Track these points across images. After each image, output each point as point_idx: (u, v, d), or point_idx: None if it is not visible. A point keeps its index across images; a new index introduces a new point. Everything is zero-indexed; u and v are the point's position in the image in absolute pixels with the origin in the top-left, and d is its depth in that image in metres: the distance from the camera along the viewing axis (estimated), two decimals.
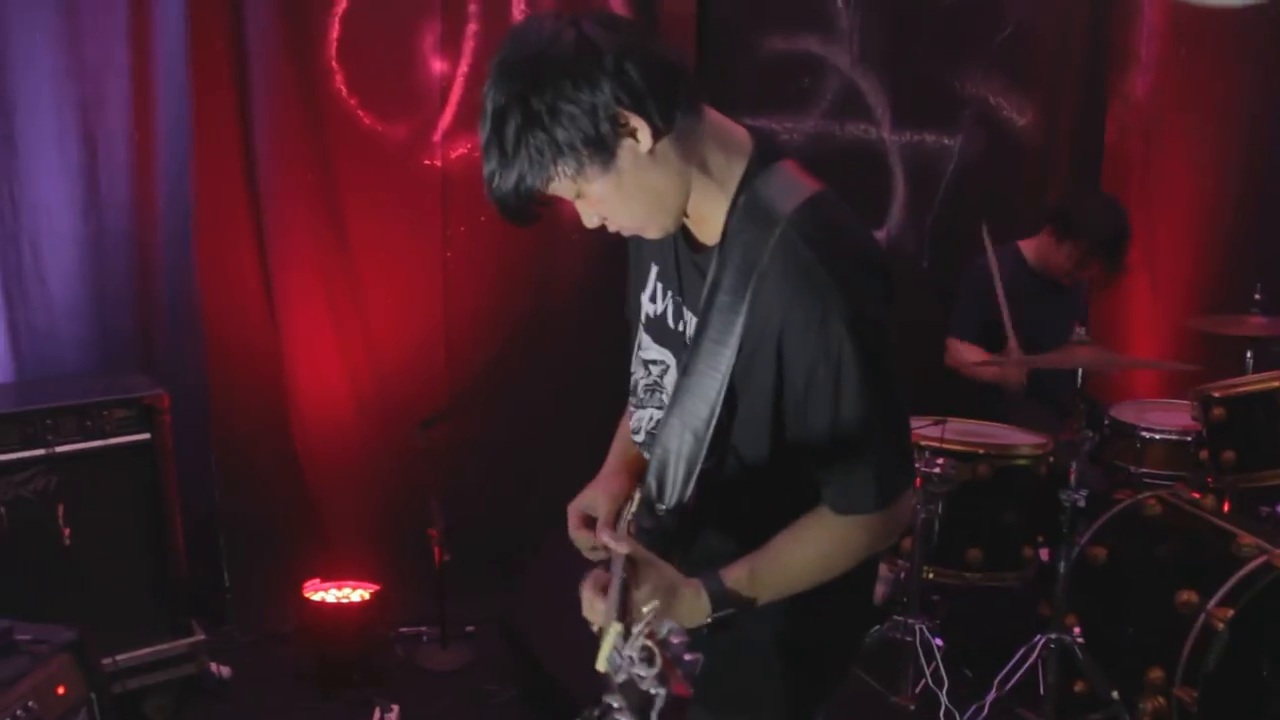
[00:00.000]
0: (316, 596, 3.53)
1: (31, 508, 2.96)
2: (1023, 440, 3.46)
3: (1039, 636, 3.15)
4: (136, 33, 3.43)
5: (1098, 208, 3.97)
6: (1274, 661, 2.81)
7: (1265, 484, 3.34)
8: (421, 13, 3.81)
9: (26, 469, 2.95)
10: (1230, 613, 2.76)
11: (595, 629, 1.69)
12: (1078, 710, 3.15)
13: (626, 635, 1.17)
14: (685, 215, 1.49)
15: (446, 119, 3.89)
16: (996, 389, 3.83)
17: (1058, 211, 3.94)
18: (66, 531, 3.00)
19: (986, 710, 3.18)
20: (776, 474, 1.51)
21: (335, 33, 3.72)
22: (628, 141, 1.36)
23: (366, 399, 3.97)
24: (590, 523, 1.65)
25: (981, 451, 3.34)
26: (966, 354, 3.88)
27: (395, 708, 3.24)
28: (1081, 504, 3.09)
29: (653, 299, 1.64)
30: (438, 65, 3.86)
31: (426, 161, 3.91)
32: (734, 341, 1.44)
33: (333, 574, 3.62)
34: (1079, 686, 3.16)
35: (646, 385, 1.65)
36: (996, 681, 3.19)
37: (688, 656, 1.10)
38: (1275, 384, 3.28)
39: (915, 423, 3.20)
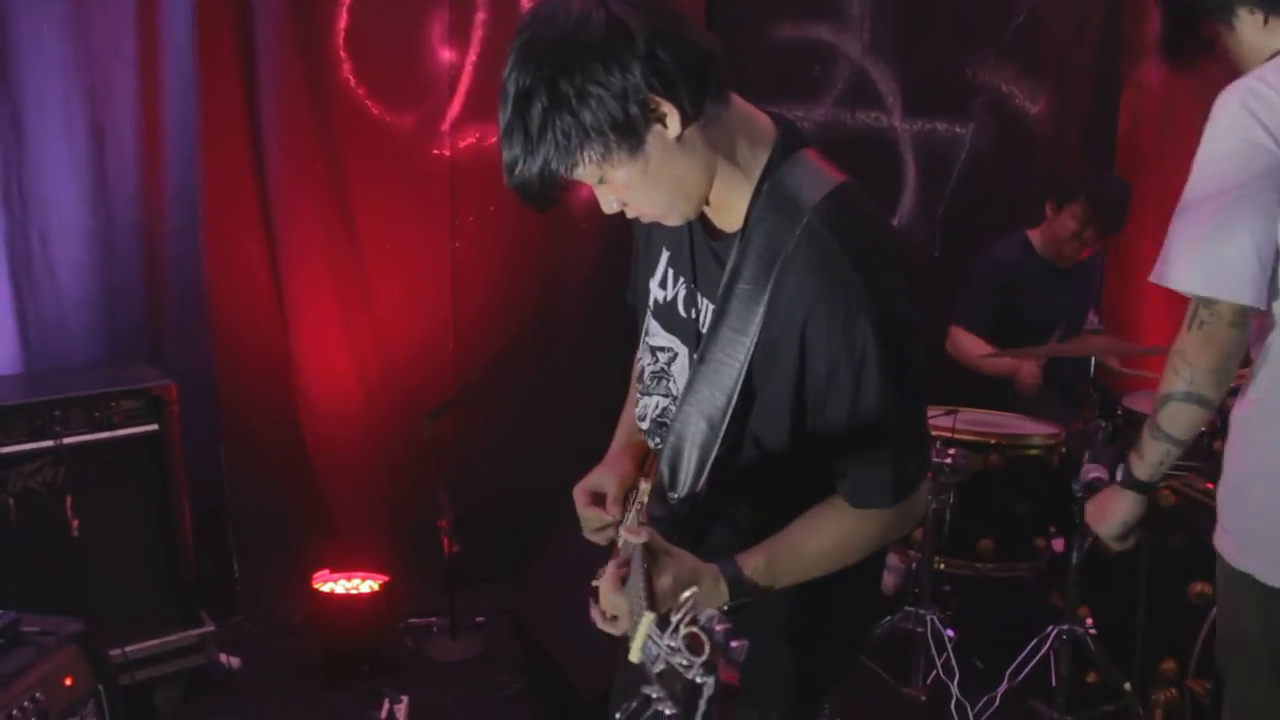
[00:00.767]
0: (325, 587, 3.53)
1: (40, 499, 2.96)
2: (1035, 430, 3.44)
3: (1051, 627, 3.13)
4: (144, 23, 3.43)
5: (1094, 171, 4.05)
6: None
7: None
8: (430, 2, 3.80)
9: (35, 460, 2.95)
10: None
11: (604, 618, 1.68)
12: (1090, 701, 3.13)
13: (662, 625, 1.16)
14: (706, 203, 1.47)
15: (455, 109, 3.88)
16: (1007, 381, 3.80)
17: (1055, 184, 3.99)
18: (75, 523, 2.99)
19: (998, 701, 3.17)
20: (791, 463, 1.50)
21: (343, 22, 3.72)
22: (656, 127, 1.34)
23: (375, 390, 3.96)
24: (598, 500, 1.64)
25: (993, 441, 3.32)
26: (971, 345, 3.85)
27: (404, 698, 3.24)
28: None
29: (662, 285, 1.62)
30: (446, 54, 3.85)
31: (435, 151, 3.89)
32: (754, 330, 1.43)
33: (342, 565, 3.62)
34: (1091, 677, 3.14)
35: (653, 372, 1.64)
36: (1008, 672, 3.18)
37: (734, 643, 1.07)
38: None
39: (927, 413, 3.18)
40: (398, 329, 3.96)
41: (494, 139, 3.86)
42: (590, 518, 1.65)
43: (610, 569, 1.39)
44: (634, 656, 1.20)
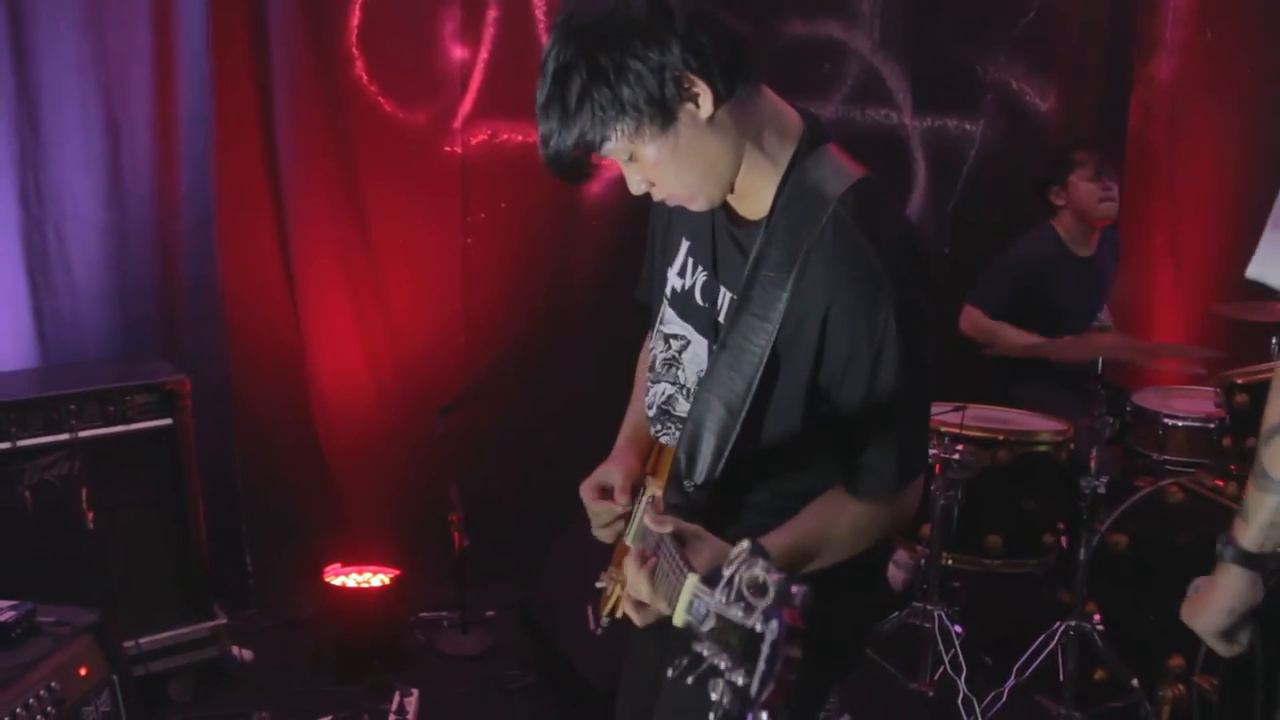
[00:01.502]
0: (337, 581, 3.56)
1: (55, 492, 2.99)
2: (1043, 426, 3.45)
3: (1058, 623, 3.14)
4: (158, 20, 3.45)
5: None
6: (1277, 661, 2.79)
7: None
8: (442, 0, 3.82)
9: (50, 453, 2.98)
10: None
11: (608, 605, 1.70)
12: (1097, 698, 3.14)
13: (710, 583, 1.17)
14: (731, 190, 1.50)
15: (467, 106, 3.90)
16: (1015, 373, 3.81)
17: (1042, 180, 4.05)
18: (90, 515, 3.02)
19: (1005, 697, 3.17)
20: (805, 449, 1.52)
21: (356, 19, 3.73)
22: (689, 106, 1.37)
23: (387, 385, 3.99)
24: (606, 494, 1.65)
25: (1001, 438, 3.33)
26: (1004, 331, 3.86)
27: (415, 692, 3.26)
28: (1102, 491, 3.07)
29: (681, 274, 1.64)
30: (458, 52, 3.87)
31: (447, 148, 3.91)
32: (776, 317, 1.45)
33: (353, 559, 3.65)
34: (1099, 674, 3.14)
35: (665, 360, 1.66)
36: (1015, 668, 3.19)
37: (794, 588, 1.08)
38: None
39: (935, 409, 3.19)
40: (409, 325, 3.99)
41: (505, 136, 3.92)
42: (600, 511, 1.66)
43: (633, 561, 1.39)
44: (678, 620, 1.22)
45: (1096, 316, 3.36)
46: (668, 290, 1.67)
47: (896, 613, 3.38)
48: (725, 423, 1.51)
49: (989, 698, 3.18)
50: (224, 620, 3.28)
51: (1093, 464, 3.08)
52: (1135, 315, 4.69)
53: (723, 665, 1.08)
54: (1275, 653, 2.72)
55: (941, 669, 3.26)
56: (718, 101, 1.38)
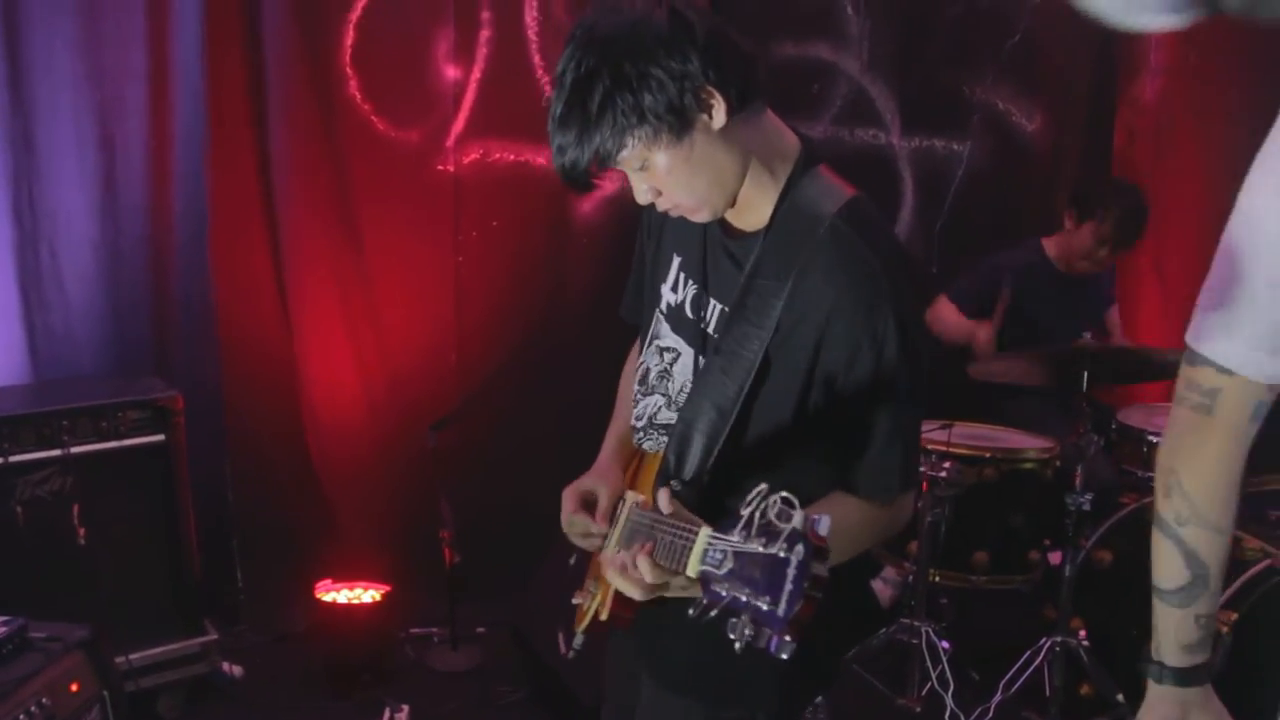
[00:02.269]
0: (328, 597, 3.57)
1: (47, 507, 2.99)
2: (1029, 444, 3.48)
3: (1045, 639, 3.17)
4: (154, 39, 3.47)
5: (1115, 184, 4.07)
6: (1277, 663, 2.82)
7: (1271, 487, 3.34)
8: (435, 20, 3.85)
9: (42, 469, 2.99)
10: (1234, 616, 2.76)
11: (584, 620, 1.71)
12: (1083, 713, 3.16)
13: (724, 530, 1.21)
14: (733, 203, 1.54)
15: (459, 125, 3.93)
16: (1002, 391, 3.84)
17: (1075, 194, 3.98)
18: (81, 531, 3.03)
19: (992, 713, 3.20)
20: (792, 453, 1.56)
21: (350, 39, 3.77)
22: (703, 116, 1.42)
23: (379, 401, 4.00)
24: (588, 506, 1.67)
25: (988, 455, 3.36)
26: (944, 312, 3.90)
27: (405, 708, 3.27)
28: (1087, 507, 3.10)
29: (674, 289, 1.68)
30: (451, 72, 3.90)
31: (440, 167, 3.94)
32: (770, 324, 1.50)
33: (344, 575, 3.66)
34: (1085, 689, 3.17)
35: (658, 372, 1.69)
36: (1002, 684, 3.21)
37: (814, 515, 1.14)
38: None
39: (923, 426, 3.21)
40: (401, 341, 4.01)
41: (497, 155, 3.95)
42: (577, 522, 1.68)
43: (623, 555, 1.42)
44: (692, 570, 1.27)
45: (1080, 335, 3.37)
46: (662, 305, 1.71)
47: (884, 629, 3.40)
48: (715, 424, 1.55)
49: (976, 713, 3.20)
50: (215, 636, 3.29)
51: (1077, 481, 3.11)
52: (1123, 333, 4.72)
53: (744, 598, 1.14)
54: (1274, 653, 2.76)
55: (929, 685, 3.29)
56: (730, 113, 1.43)
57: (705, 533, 1.27)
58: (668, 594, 1.41)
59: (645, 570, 1.39)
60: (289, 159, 3.75)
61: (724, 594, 1.18)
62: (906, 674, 3.34)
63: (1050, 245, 4.00)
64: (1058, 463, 3.41)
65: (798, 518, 1.12)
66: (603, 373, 2.24)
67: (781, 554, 1.11)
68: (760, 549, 1.14)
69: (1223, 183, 5.14)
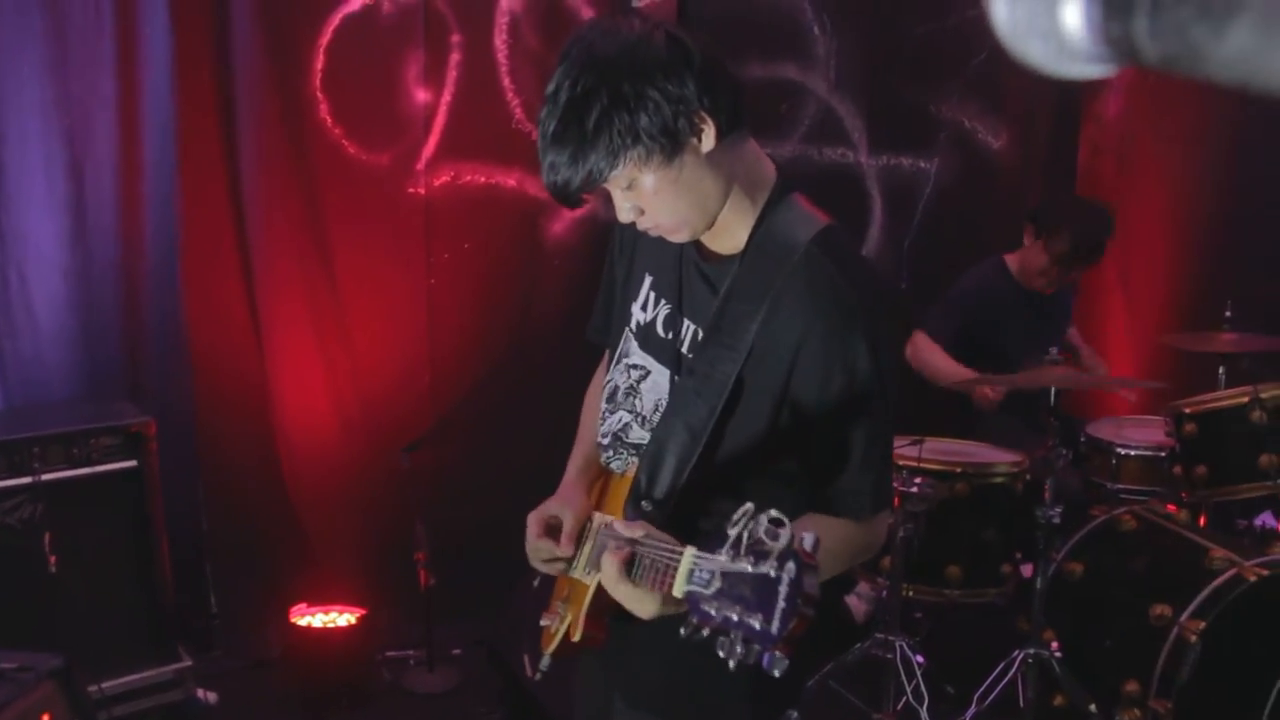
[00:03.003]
0: (303, 621, 3.56)
1: (18, 536, 2.97)
2: (999, 458, 3.50)
3: (1017, 651, 3.19)
4: (122, 64, 3.48)
5: (1076, 203, 4.07)
6: (1245, 671, 2.86)
7: (1238, 497, 3.40)
8: (405, 43, 3.86)
9: (13, 497, 2.97)
10: (1202, 625, 2.80)
11: (553, 642, 1.72)
12: None
13: (709, 549, 1.22)
14: (711, 225, 1.57)
15: (430, 148, 3.94)
16: (972, 406, 3.87)
17: (1037, 210, 3.98)
18: (53, 559, 3.00)
19: None
20: (762, 475, 1.58)
21: (320, 63, 3.77)
22: (693, 140, 1.45)
23: (352, 424, 4.00)
24: (552, 532, 1.68)
25: (959, 470, 3.38)
26: (936, 358, 3.88)
27: None
28: (1057, 520, 3.13)
29: (644, 307, 1.70)
30: (421, 95, 3.92)
31: (410, 190, 3.95)
32: (744, 347, 1.52)
33: (319, 598, 3.65)
34: (1058, 700, 3.19)
35: (626, 389, 1.71)
36: (976, 697, 3.23)
37: (804, 534, 1.15)
38: (1244, 399, 3.34)
39: (894, 443, 3.24)
40: (374, 364, 4.01)
41: (469, 177, 3.97)
42: (541, 548, 1.68)
43: (615, 557, 1.42)
44: (679, 590, 1.28)
45: (1049, 351, 3.41)
46: (631, 324, 1.73)
47: (859, 644, 3.41)
48: (687, 444, 1.57)
49: None
50: (189, 662, 3.26)
51: (1047, 494, 3.14)
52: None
53: (735, 616, 1.14)
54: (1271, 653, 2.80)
55: (904, 699, 3.30)
56: (718, 138, 1.46)
57: (690, 553, 1.28)
58: (647, 616, 1.43)
59: (620, 592, 1.40)
60: (260, 183, 3.76)
61: (714, 614, 1.19)
62: (882, 688, 3.35)
63: (1013, 261, 4.01)
64: (1027, 476, 3.44)
65: (787, 536, 1.14)
66: (576, 393, 2.26)
67: (772, 573, 1.13)
68: (749, 568, 1.15)
69: (1185, 195, 5.29)
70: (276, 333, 3.84)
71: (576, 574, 1.68)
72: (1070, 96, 4.86)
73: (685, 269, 1.64)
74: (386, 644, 3.78)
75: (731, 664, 1.16)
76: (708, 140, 1.45)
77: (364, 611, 3.61)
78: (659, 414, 1.64)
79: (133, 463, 3.16)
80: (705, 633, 1.20)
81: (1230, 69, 0.40)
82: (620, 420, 1.70)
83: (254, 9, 3.64)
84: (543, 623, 1.80)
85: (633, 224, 1.56)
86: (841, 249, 1.56)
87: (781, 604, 1.12)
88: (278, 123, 3.75)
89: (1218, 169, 4.88)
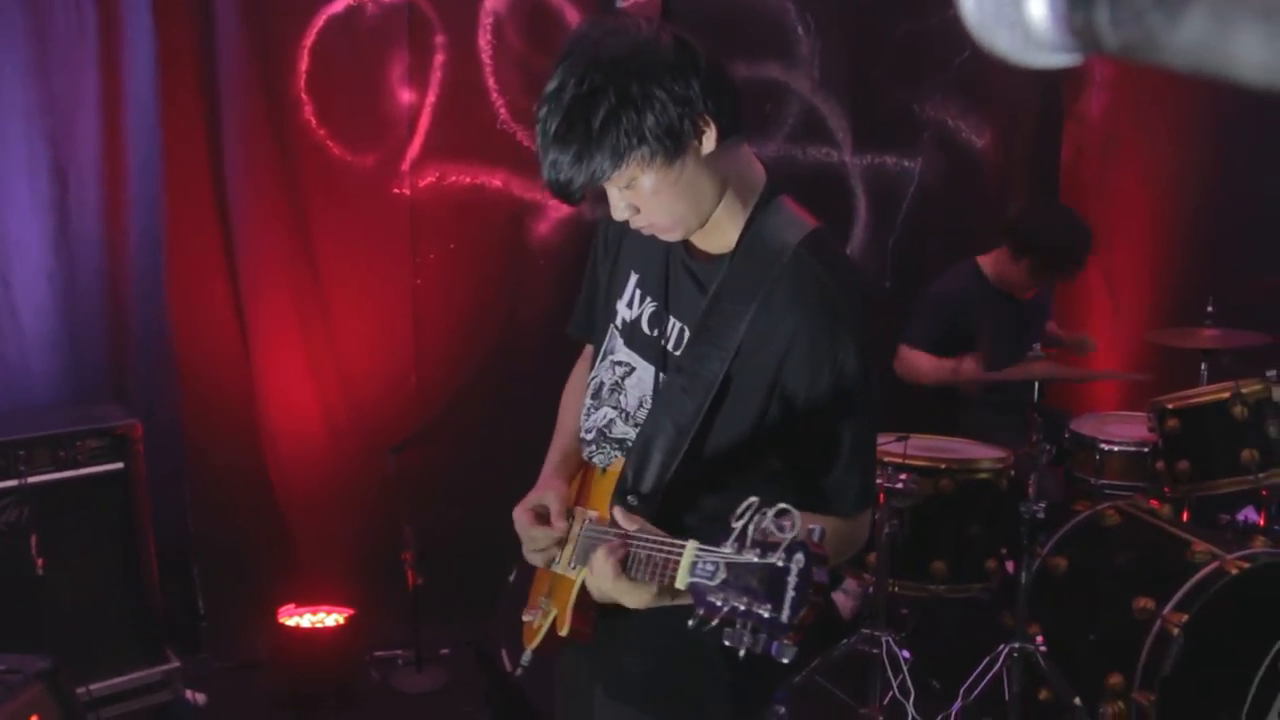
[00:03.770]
0: (291, 622, 3.56)
1: (4, 538, 2.97)
2: (983, 455, 3.53)
3: (1003, 646, 3.21)
4: (106, 66, 3.47)
5: (1052, 222, 3.96)
6: (1227, 663, 2.88)
7: (1220, 492, 3.43)
8: (389, 44, 3.87)
9: None
10: (1184, 617, 2.83)
11: (536, 638, 1.74)
12: (1042, 717, 3.21)
13: (713, 542, 1.24)
14: (703, 224, 1.58)
15: (415, 149, 3.95)
16: (956, 403, 3.89)
17: (1013, 228, 3.91)
18: (40, 562, 3.00)
19: (953, 719, 3.24)
20: (748, 472, 1.59)
21: (304, 65, 3.78)
22: (695, 142, 1.46)
23: (339, 425, 4.00)
24: (542, 518, 1.69)
25: (944, 466, 3.40)
26: (920, 361, 3.89)
27: None
28: (1041, 516, 3.15)
29: (629, 305, 1.72)
30: (406, 96, 3.92)
31: (396, 190, 3.96)
32: (732, 345, 1.54)
33: (307, 599, 3.65)
34: (1043, 694, 3.21)
35: (610, 385, 1.72)
36: (962, 691, 3.25)
37: (810, 526, 1.17)
38: (1226, 395, 3.36)
39: (878, 439, 3.25)
40: (361, 365, 4.01)
41: (454, 178, 3.98)
42: (538, 535, 1.69)
43: (609, 554, 1.44)
44: (681, 583, 1.30)
45: (1033, 348, 3.43)
46: (617, 321, 1.74)
47: (845, 640, 3.43)
48: (673, 441, 1.58)
49: None
50: (177, 664, 3.26)
51: (1031, 490, 3.16)
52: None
53: (743, 607, 1.16)
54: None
55: (890, 694, 3.32)
56: (718, 141, 1.47)
57: (693, 546, 1.30)
58: (639, 605, 1.45)
59: (612, 588, 1.41)
60: (245, 185, 3.75)
61: (721, 604, 1.21)
62: (868, 683, 3.37)
63: (987, 264, 3.98)
64: (1012, 472, 3.46)
65: (796, 527, 1.16)
66: (561, 391, 2.27)
67: (780, 563, 1.15)
68: (756, 559, 1.17)
69: (1168, 192, 5.32)
70: (262, 334, 3.84)
71: (560, 569, 1.68)
72: (1054, 95, 4.88)
73: (673, 267, 1.65)
74: (375, 644, 3.78)
75: (741, 652, 1.18)
76: (708, 143, 1.47)
77: (352, 612, 3.61)
78: (643, 410, 1.65)
79: (119, 465, 3.15)
80: (714, 623, 1.22)
81: (1185, 56, 0.41)
82: (605, 416, 1.71)
83: (238, 10, 3.64)
84: (525, 618, 1.81)
85: (618, 220, 1.57)
86: (829, 252, 1.60)
87: (791, 593, 1.14)
88: (262, 124, 3.75)
89: (1200, 167, 4.91)
